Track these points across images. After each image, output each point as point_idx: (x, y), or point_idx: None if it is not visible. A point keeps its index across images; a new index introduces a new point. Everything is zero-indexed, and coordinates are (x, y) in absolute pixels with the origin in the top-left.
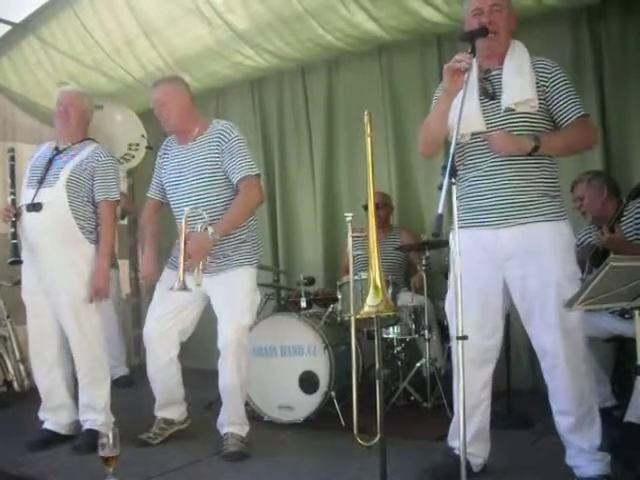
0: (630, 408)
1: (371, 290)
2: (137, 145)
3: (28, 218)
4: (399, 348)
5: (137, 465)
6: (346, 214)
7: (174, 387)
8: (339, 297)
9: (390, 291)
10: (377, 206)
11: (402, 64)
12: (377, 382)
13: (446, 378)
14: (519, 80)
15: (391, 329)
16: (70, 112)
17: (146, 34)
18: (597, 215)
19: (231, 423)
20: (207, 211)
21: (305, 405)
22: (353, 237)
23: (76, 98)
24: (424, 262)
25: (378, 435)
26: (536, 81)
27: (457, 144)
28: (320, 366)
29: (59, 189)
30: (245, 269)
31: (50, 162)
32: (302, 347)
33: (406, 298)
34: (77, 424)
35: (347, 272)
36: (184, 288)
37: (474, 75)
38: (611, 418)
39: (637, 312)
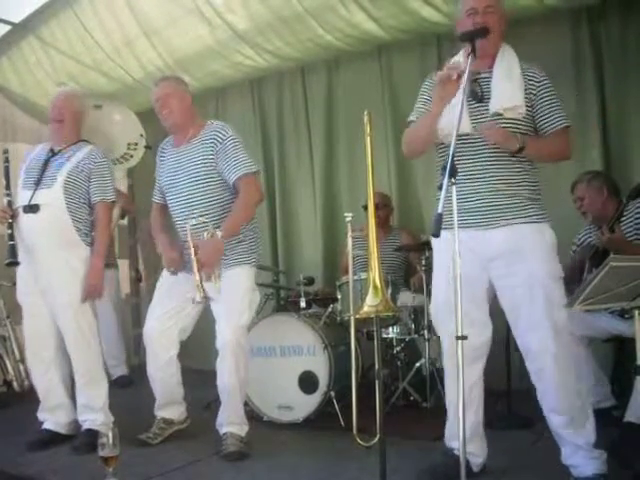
0: (629, 408)
1: (371, 290)
2: (136, 145)
3: (25, 219)
4: (398, 348)
5: (137, 465)
6: (346, 214)
7: (174, 387)
8: (339, 297)
9: (390, 291)
10: (377, 206)
11: (402, 64)
12: (376, 382)
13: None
14: (509, 85)
15: (391, 329)
16: (63, 114)
17: (146, 34)
18: (597, 215)
19: (230, 423)
20: (203, 212)
21: (304, 405)
22: (353, 237)
23: (68, 100)
24: (423, 262)
25: (377, 435)
26: (525, 88)
27: (444, 145)
28: (319, 366)
29: (56, 190)
30: (243, 268)
31: (46, 163)
32: (302, 347)
33: (406, 298)
34: (76, 423)
35: (347, 272)
36: (206, 297)
37: (464, 76)
38: (610, 418)
39: (637, 312)
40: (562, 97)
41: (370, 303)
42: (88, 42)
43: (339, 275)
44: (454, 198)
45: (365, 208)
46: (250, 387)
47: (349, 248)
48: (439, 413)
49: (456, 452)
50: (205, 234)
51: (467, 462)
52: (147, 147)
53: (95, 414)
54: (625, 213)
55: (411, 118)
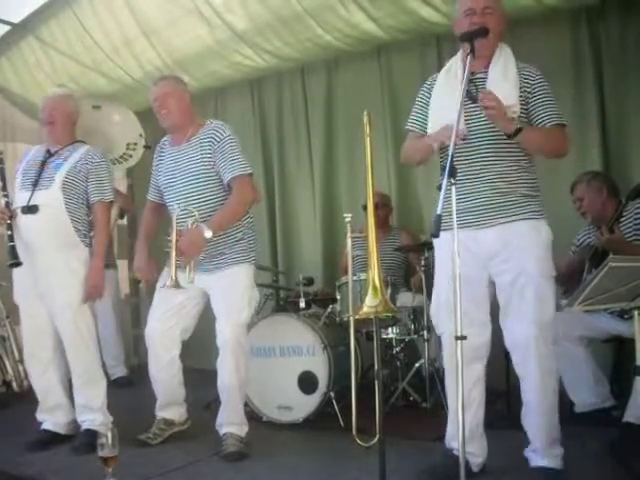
0: (629, 408)
1: (370, 291)
2: (135, 144)
3: (24, 220)
4: (398, 348)
5: (136, 465)
6: (345, 214)
7: (175, 387)
8: (338, 297)
9: (389, 292)
10: (376, 206)
11: (401, 64)
12: (376, 382)
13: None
14: (504, 85)
15: (390, 329)
16: (54, 117)
17: (145, 34)
18: (596, 215)
19: (230, 423)
20: (199, 211)
21: (304, 405)
22: (352, 237)
23: (60, 102)
24: (423, 263)
25: (377, 435)
26: (520, 86)
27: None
28: (319, 366)
29: (55, 191)
30: (242, 267)
31: (43, 164)
32: (301, 347)
33: (405, 299)
34: (75, 424)
35: (346, 272)
36: (176, 285)
37: (459, 76)
38: (610, 418)
39: (636, 312)
40: (561, 97)
41: (369, 304)
42: (87, 42)
43: (339, 275)
44: (453, 199)
45: (365, 208)
46: (250, 387)
47: (348, 248)
48: (438, 413)
49: (455, 452)
50: (189, 223)
51: (467, 462)
52: (146, 147)
53: (94, 414)
54: (624, 213)
55: (408, 126)
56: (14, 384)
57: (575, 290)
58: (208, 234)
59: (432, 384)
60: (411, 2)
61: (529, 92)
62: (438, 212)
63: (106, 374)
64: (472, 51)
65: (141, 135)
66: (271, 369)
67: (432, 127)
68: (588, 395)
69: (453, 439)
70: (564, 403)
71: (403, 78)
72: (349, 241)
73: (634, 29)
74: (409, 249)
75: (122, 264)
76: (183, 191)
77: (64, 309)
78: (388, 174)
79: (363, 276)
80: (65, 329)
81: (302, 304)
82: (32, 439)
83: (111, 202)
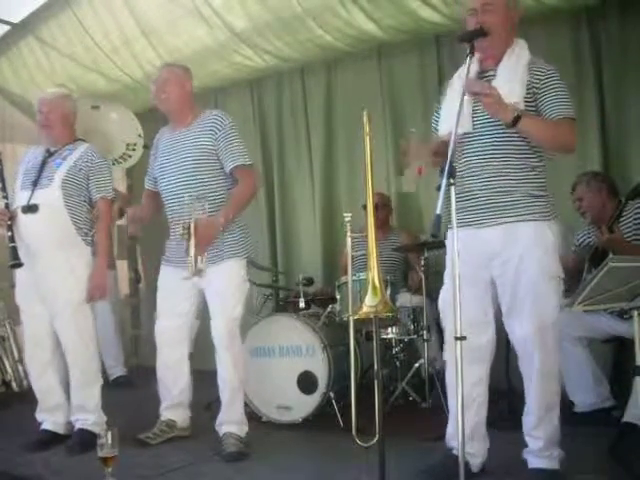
0: (629, 408)
1: (369, 290)
2: (134, 145)
3: (24, 220)
4: (398, 348)
5: (136, 465)
6: (345, 214)
7: (183, 387)
8: (337, 297)
9: (389, 292)
10: (376, 206)
11: (401, 64)
12: (376, 382)
13: (445, 378)
14: (510, 82)
15: (390, 329)
16: (50, 118)
17: (145, 34)
18: (596, 215)
19: (230, 423)
20: (191, 194)
21: (304, 405)
22: (352, 237)
23: (55, 103)
24: (422, 263)
25: (377, 435)
26: (528, 81)
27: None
28: (319, 366)
29: (55, 190)
30: (236, 261)
31: (43, 164)
32: (301, 347)
33: (405, 299)
34: (72, 424)
35: (346, 272)
36: (198, 272)
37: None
38: (610, 418)
39: (636, 312)
40: None
41: (369, 303)
42: (87, 42)
43: (338, 275)
44: (453, 199)
45: (364, 208)
46: (249, 387)
47: (348, 248)
48: (438, 413)
49: (455, 452)
50: (200, 213)
51: (466, 462)
52: (146, 147)
53: (87, 414)
54: (624, 213)
55: (433, 125)
56: (14, 384)
57: (575, 290)
58: (221, 222)
59: (431, 384)
60: (411, 3)
61: (537, 88)
62: (438, 212)
63: (105, 374)
64: (472, 51)
65: (140, 135)
66: (271, 369)
67: (441, 130)
68: (588, 395)
69: (453, 438)
70: (564, 403)
71: (403, 78)
72: (349, 241)
73: (634, 29)
74: (408, 249)
75: (121, 264)
76: (175, 173)
77: (65, 308)
78: (388, 174)
79: (363, 276)
80: (65, 329)
81: (302, 304)
82: (32, 439)
83: (113, 199)
